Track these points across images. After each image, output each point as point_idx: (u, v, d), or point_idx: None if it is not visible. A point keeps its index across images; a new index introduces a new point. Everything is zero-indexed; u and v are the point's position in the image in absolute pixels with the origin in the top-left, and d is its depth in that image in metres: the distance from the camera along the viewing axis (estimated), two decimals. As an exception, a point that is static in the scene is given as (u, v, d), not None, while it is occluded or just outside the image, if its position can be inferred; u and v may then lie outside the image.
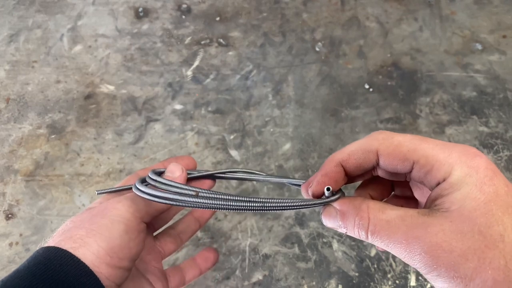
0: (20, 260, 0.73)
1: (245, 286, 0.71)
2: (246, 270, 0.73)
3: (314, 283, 0.71)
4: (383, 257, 0.73)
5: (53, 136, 0.86)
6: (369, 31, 1.01)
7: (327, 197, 0.33)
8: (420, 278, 0.71)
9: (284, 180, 0.43)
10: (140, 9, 1.05)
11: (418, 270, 0.28)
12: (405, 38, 1.00)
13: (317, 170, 0.82)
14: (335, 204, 0.32)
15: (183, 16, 1.04)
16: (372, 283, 0.71)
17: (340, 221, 0.31)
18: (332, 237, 0.75)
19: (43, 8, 1.05)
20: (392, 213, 0.29)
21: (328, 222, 0.33)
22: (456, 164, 0.28)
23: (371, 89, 0.92)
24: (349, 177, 0.35)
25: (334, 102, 0.90)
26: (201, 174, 0.47)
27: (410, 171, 0.31)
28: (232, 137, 0.86)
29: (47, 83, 0.94)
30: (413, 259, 0.27)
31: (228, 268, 0.73)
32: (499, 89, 0.91)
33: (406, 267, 0.72)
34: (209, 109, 0.90)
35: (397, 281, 0.71)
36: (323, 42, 1.00)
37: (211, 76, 0.95)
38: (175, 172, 0.43)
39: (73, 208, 0.78)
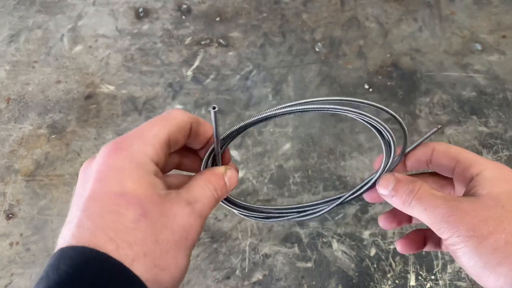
0: (21, 260, 0.74)
1: (245, 286, 0.71)
2: (246, 270, 0.73)
3: (314, 283, 0.71)
4: (383, 257, 0.73)
5: (53, 136, 0.87)
6: (369, 31, 1.01)
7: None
8: (419, 278, 0.71)
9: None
10: (140, 10, 1.05)
11: (444, 234, 0.34)
12: (405, 38, 1.00)
13: (317, 170, 0.82)
14: (395, 174, 0.39)
15: (183, 17, 1.04)
16: (372, 283, 0.71)
17: (395, 186, 0.38)
18: (332, 237, 0.75)
19: (43, 8, 1.05)
20: (438, 192, 0.36)
21: (381, 187, 0.39)
22: (489, 165, 0.37)
23: (371, 89, 0.92)
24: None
25: (334, 102, 0.91)
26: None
27: (453, 170, 0.39)
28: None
29: (48, 83, 0.94)
30: (442, 221, 0.34)
31: (228, 268, 0.73)
32: (498, 89, 0.92)
33: (405, 267, 0.72)
34: (209, 109, 0.90)
35: (396, 281, 0.71)
36: (323, 42, 1.00)
37: (211, 76, 0.95)
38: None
39: (74, 208, 0.78)
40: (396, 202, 0.38)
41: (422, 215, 0.35)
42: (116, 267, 0.26)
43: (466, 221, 0.33)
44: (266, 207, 0.42)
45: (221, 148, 0.37)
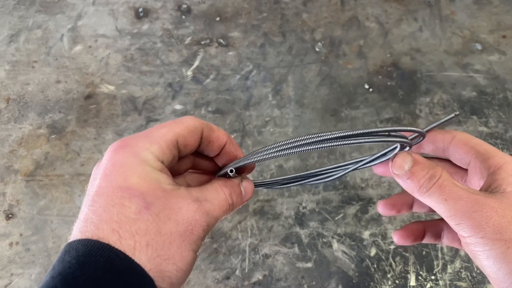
0: (20, 260, 0.73)
1: (245, 286, 0.71)
2: (246, 270, 0.73)
3: (314, 283, 0.71)
4: (383, 257, 0.73)
5: (53, 136, 0.86)
6: (369, 31, 1.01)
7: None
8: (419, 278, 0.71)
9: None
10: (140, 9, 1.05)
11: (464, 231, 0.31)
12: (405, 38, 1.00)
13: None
14: (412, 154, 0.36)
15: (183, 16, 1.04)
16: (372, 283, 0.71)
17: (412, 168, 0.34)
18: (332, 237, 0.75)
19: (43, 8, 1.05)
20: (459, 183, 0.33)
21: (396, 166, 0.35)
22: (510, 159, 0.34)
23: (371, 89, 0.92)
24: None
25: (334, 102, 0.91)
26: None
27: (469, 160, 0.37)
28: (232, 137, 0.86)
29: (47, 83, 0.94)
30: (465, 216, 0.31)
31: (228, 268, 0.73)
32: (498, 89, 0.92)
33: (406, 267, 0.72)
34: (209, 109, 0.90)
35: (397, 281, 0.71)
36: (323, 42, 1.00)
37: (211, 76, 0.95)
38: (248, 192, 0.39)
39: (73, 208, 0.78)
40: (411, 186, 0.34)
41: (440, 205, 0.32)
42: (118, 256, 0.27)
43: (493, 221, 0.30)
44: (280, 177, 0.42)
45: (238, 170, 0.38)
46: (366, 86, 0.93)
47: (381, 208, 0.45)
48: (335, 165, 0.42)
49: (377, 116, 0.88)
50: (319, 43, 1.00)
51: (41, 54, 0.98)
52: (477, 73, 0.94)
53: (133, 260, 0.27)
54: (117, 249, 0.27)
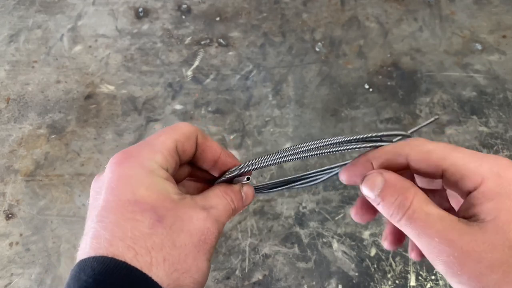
0: (20, 260, 0.73)
1: (245, 286, 0.71)
2: (246, 270, 0.73)
3: (314, 283, 0.71)
4: (383, 257, 0.73)
5: (53, 136, 0.86)
6: (369, 31, 1.01)
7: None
8: (420, 278, 0.71)
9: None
10: (140, 9, 1.05)
11: (441, 272, 0.28)
12: (405, 38, 1.00)
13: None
14: (384, 174, 0.31)
15: (183, 16, 1.04)
16: (372, 283, 0.71)
17: (382, 192, 0.30)
18: (332, 237, 0.75)
19: (43, 8, 1.05)
20: (434, 209, 0.29)
21: (366, 188, 0.32)
22: (487, 174, 0.28)
23: (371, 89, 0.92)
24: None
25: (334, 102, 0.91)
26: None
27: (441, 179, 0.31)
28: (232, 137, 0.86)
29: (47, 83, 0.94)
30: (438, 259, 0.27)
31: (228, 268, 0.73)
32: (499, 89, 0.91)
33: (406, 267, 0.72)
34: (209, 109, 0.90)
35: (397, 281, 0.71)
36: (323, 42, 1.00)
37: (211, 76, 0.95)
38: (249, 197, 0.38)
39: (73, 208, 0.78)
40: (383, 212, 0.31)
41: (415, 239, 0.29)
42: (135, 274, 0.26)
43: (468, 268, 0.26)
44: (269, 182, 0.42)
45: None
46: (366, 86, 0.93)
47: (354, 216, 0.39)
48: (320, 169, 0.41)
49: (377, 116, 0.88)
50: (319, 43, 1.00)
51: (41, 54, 0.98)
52: (477, 73, 0.94)
53: (150, 278, 0.27)
54: (133, 267, 0.27)
